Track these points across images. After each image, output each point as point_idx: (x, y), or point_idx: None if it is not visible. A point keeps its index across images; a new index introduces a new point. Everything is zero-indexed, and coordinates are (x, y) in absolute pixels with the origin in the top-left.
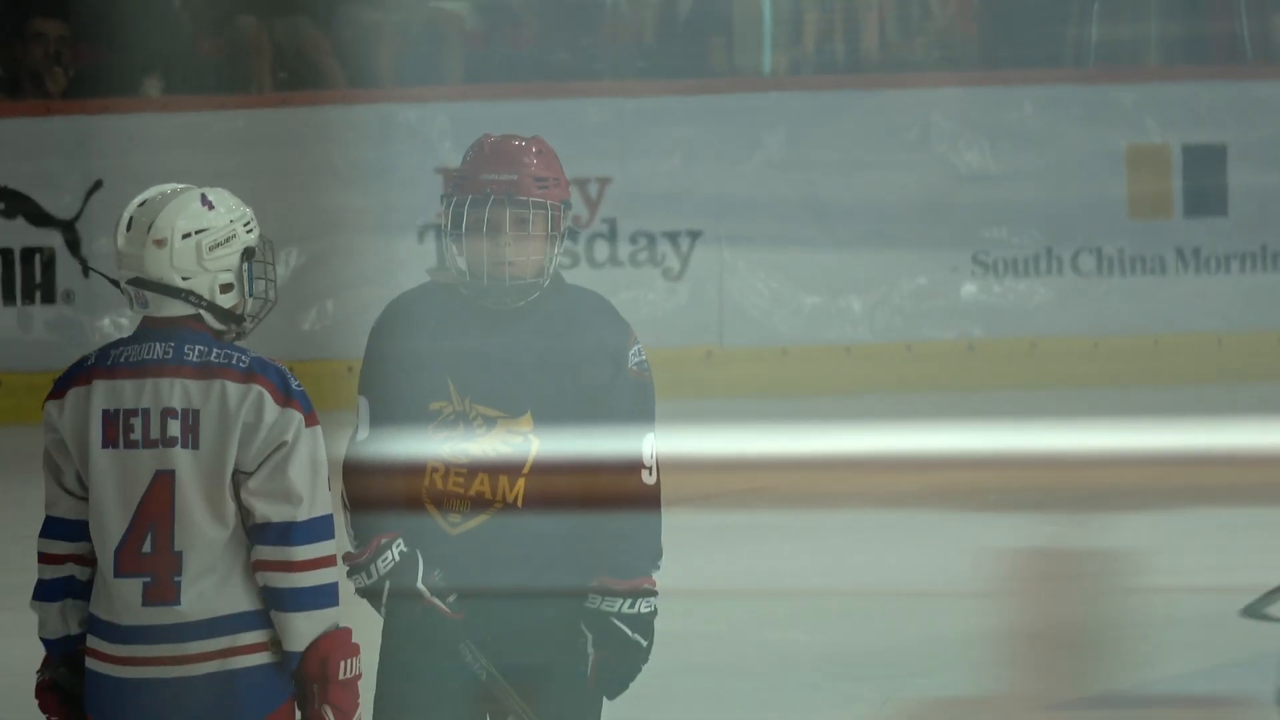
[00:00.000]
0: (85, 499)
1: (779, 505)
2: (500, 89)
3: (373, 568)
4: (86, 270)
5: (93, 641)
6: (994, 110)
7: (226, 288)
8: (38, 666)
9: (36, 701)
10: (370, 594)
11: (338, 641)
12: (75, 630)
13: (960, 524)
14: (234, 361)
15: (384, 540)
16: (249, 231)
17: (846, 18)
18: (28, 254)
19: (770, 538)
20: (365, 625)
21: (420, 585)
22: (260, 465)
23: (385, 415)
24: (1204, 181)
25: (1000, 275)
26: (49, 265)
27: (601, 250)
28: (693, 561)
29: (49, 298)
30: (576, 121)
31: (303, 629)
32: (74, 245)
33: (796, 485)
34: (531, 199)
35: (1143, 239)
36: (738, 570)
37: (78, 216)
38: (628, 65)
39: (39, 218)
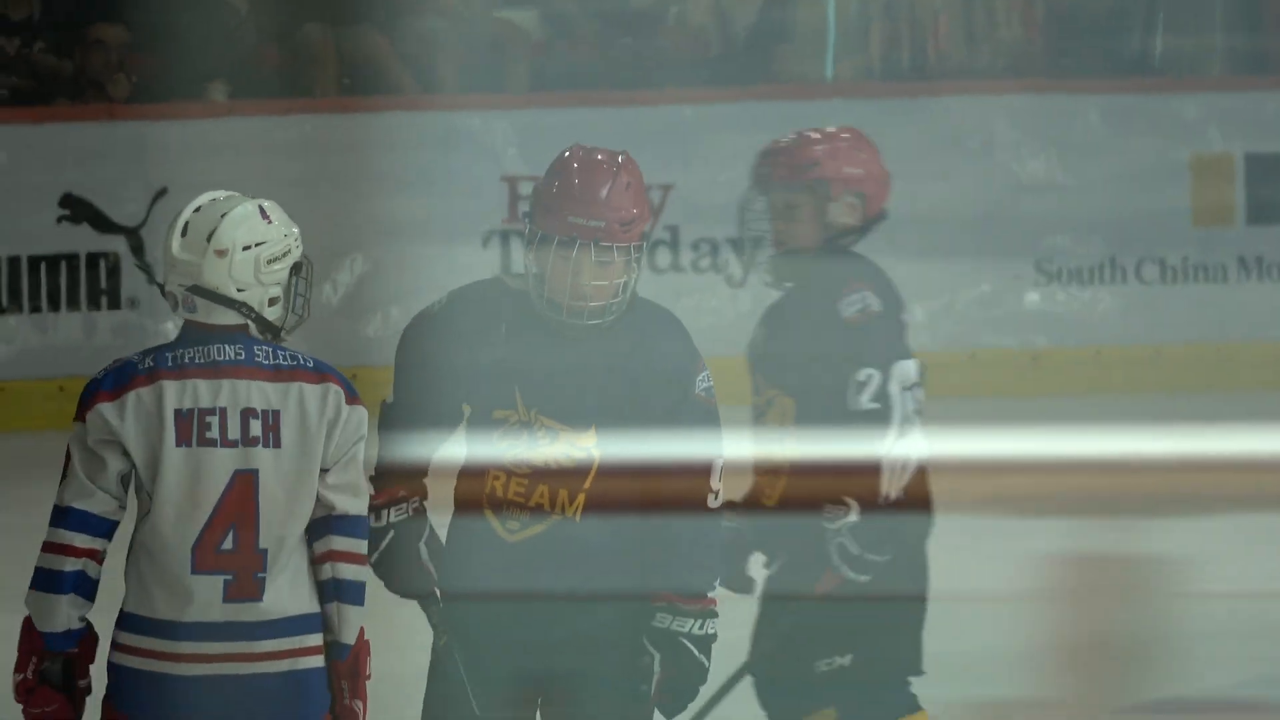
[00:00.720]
0: (120, 499)
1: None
2: (563, 97)
3: (384, 513)
4: (151, 277)
5: (136, 640)
6: (1057, 119)
7: (274, 300)
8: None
9: (22, 699)
10: (371, 535)
11: (365, 639)
12: (76, 626)
13: (1020, 530)
14: (303, 363)
15: (402, 493)
16: (298, 247)
17: (912, 26)
18: (93, 259)
19: None
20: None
21: (421, 546)
22: (339, 460)
23: (430, 399)
24: (1267, 190)
25: (1064, 284)
26: (114, 271)
27: (664, 257)
28: (755, 567)
29: (114, 304)
30: (638, 129)
31: (355, 622)
32: (138, 251)
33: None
34: (616, 245)
35: (1206, 247)
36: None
37: (142, 223)
38: (690, 73)
39: (103, 224)
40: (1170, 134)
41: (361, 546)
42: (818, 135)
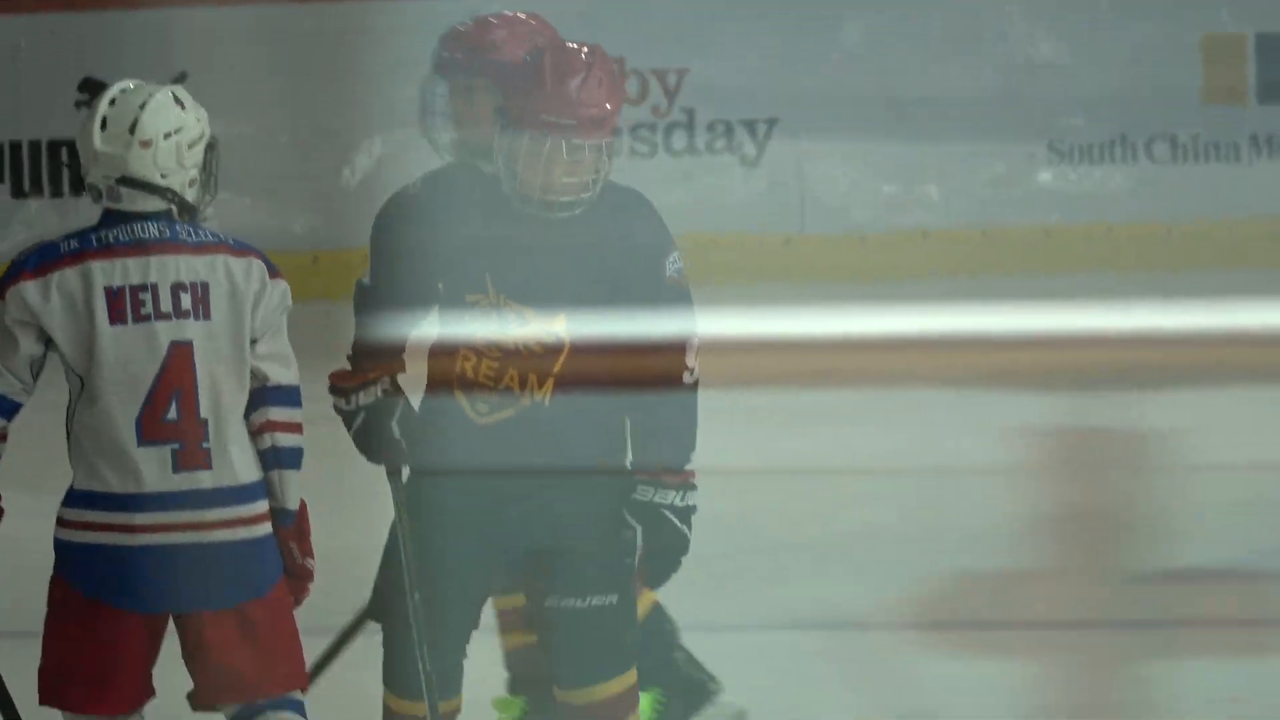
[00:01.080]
0: (26, 384)
1: (851, 385)
2: None
3: (356, 396)
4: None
5: (88, 515)
6: (1069, 1)
7: (193, 182)
8: None
9: None
10: (344, 415)
11: (303, 501)
12: None
13: (1027, 404)
14: (225, 239)
15: (373, 375)
16: (209, 129)
17: None
18: None
19: (841, 418)
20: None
21: (394, 424)
22: (267, 332)
23: (403, 282)
24: (1278, 70)
25: (1075, 163)
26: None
27: (680, 139)
28: (764, 441)
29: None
30: (655, 14)
31: (296, 487)
32: None
33: (868, 367)
34: (588, 142)
35: (1217, 126)
36: (807, 449)
37: None
38: None
39: None
40: (1181, 15)
41: (297, 415)
42: (496, 20)
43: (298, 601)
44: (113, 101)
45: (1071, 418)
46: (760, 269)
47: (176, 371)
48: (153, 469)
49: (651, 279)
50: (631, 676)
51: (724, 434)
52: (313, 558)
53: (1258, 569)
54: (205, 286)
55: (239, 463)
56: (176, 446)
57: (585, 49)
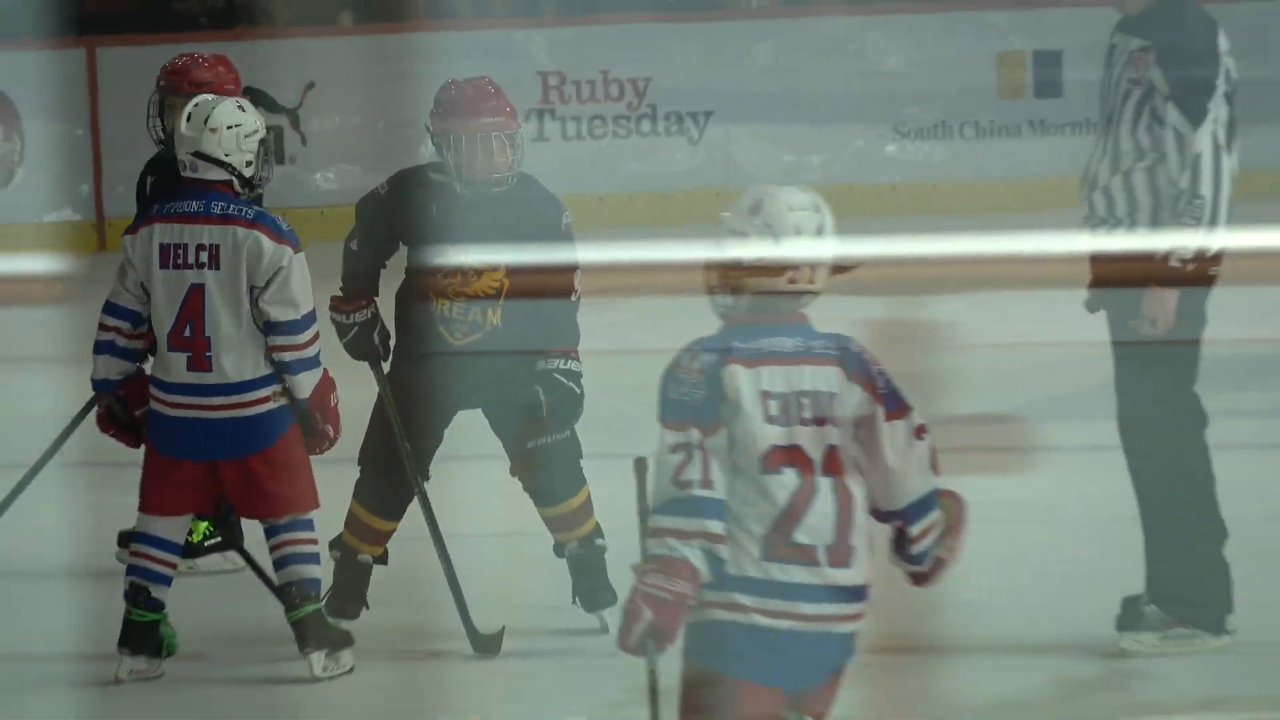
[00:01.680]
0: (139, 297)
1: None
2: (582, 19)
3: (352, 315)
4: (304, 140)
5: (154, 392)
6: (910, 28)
7: (249, 164)
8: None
9: (98, 425)
10: (340, 327)
11: (326, 383)
12: (114, 377)
13: (866, 303)
14: (243, 213)
15: (364, 302)
16: (264, 129)
17: None
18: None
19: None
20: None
21: (374, 334)
22: (267, 283)
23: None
24: (1048, 74)
25: (912, 139)
26: (279, 138)
27: (646, 126)
28: (663, 329)
29: (280, 160)
30: (630, 40)
31: (306, 383)
32: (295, 125)
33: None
34: (516, 132)
35: (1006, 114)
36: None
37: (298, 106)
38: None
39: (274, 106)
40: (984, 37)
41: (296, 339)
42: (203, 60)
43: (316, 451)
44: (198, 104)
45: (893, 313)
46: (700, 214)
47: (192, 305)
48: (178, 367)
49: (554, 232)
50: (586, 493)
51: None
52: (333, 425)
53: (1013, 413)
54: (217, 248)
55: (231, 368)
56: (189, 354)
57: (485, 79)
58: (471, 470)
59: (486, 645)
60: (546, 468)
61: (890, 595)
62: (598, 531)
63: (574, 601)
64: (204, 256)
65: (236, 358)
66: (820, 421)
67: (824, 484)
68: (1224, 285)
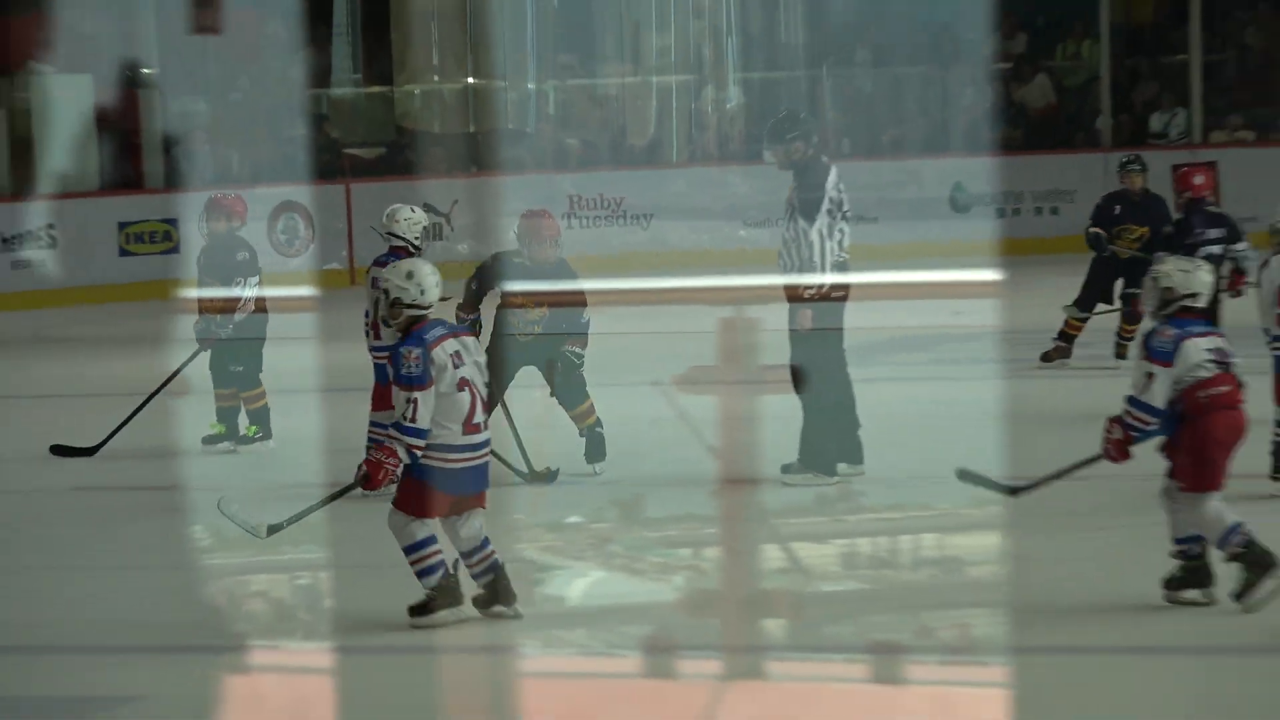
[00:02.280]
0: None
1: None
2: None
3: (467, 318)
4: (452, 228)
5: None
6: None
7: (418, 237)
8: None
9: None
10: (462, 321)
11: None
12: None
13: None
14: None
15: (473, 311)
16: (426, 221)
17: None
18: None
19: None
20: None
21: (476, 327)
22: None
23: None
24: None
25: None
26: (440, 228)
27: (619, 223)
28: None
29: (439, 238)
30: (608, 177)
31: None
32: (449, 221)
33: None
34: (557, 236)
35: None
36: None
37: (449, 211)
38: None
39: (436, 211)
40: None
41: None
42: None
43: None
44: (395, 208)
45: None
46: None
47: (472, 391)
48: (458, 435)
49: (572, 281)
50: (589, 403)
51: None
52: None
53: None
54: (465, 348)
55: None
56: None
57: (544, 210)
58: (522, 396)
59: (541, 478)
60: (565, 392)
61: None
62: (597, 422)
63: (584, 457)
64: (463, 358)
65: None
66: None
67: (476, 394)
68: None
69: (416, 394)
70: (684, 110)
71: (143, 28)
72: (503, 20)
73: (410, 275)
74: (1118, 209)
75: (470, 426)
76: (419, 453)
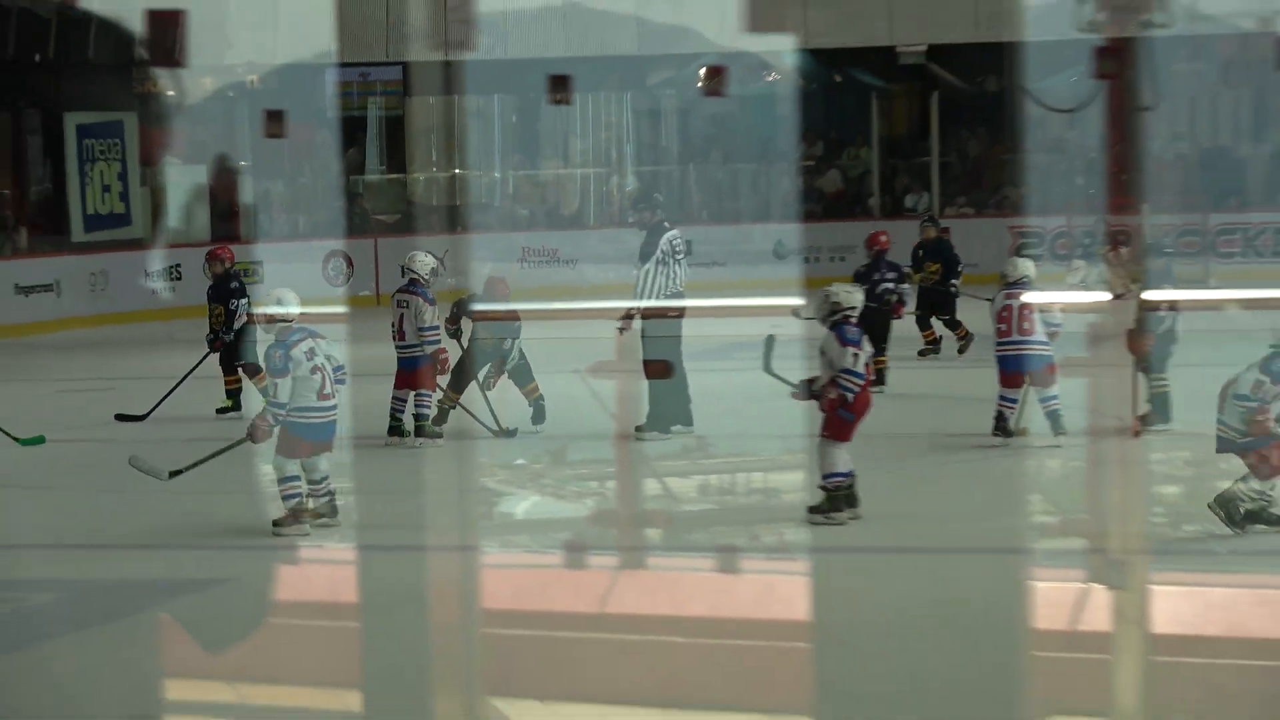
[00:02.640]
0: None
1: None
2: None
3: (450, 329)
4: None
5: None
6: None
7: (434, 271)
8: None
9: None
10: (448, 332)
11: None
12: None
13: None
14: (422, 290)
15: (456, 324)
16: (440, 265)
17: None
18: None
19: None
20: None
21: (458, 335)
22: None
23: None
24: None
25: None
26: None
27: (564, 267)
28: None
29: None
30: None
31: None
32: (443, 263)
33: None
34: (509, 294)
35: None
36: None
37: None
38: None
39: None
40: None
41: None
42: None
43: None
44: (414, 253)
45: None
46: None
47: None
48: None
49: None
50: (535, 385)
51: None
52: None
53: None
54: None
55: None
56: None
57: (502, 276)
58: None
59: (505, 433)
60: (518, 375)
61: None
62: (540, 396)
63: (530, 420)
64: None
65: None
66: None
67: (326, 375)
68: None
69: (278, 380)
70: (598, 191)
71: (238, 134)
72: (476, 132)
73: (279, 300)
74: (920, 252)
75: (322, 396)
76: (282, 416)
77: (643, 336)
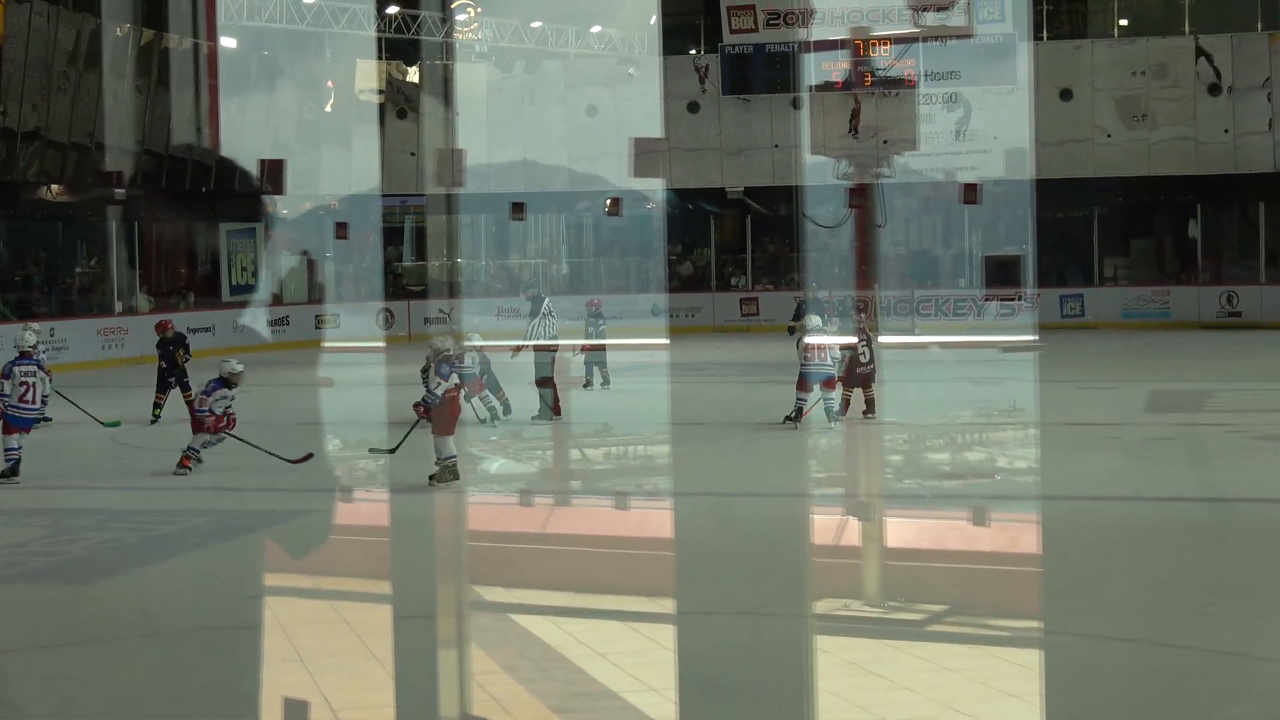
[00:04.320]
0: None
1: None
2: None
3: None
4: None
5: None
6: None
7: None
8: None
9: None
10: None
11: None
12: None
13: None
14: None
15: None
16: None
17: None
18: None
19: None
20: None
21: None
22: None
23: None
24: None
25: None
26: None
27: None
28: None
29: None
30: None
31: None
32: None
33: None
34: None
35: None
36: None
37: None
38: None
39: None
40: None
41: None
42: None
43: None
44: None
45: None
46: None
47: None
48: None
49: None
50: (502, 390)
51: None
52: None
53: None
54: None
55: None
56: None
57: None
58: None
59: (485, 424)
60: (490, 386)
61: None
62: (506, 399)
63: (503, 414)
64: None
65: None
66: None
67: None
68: None
69: (213, 403)
70: (544, 271)
71: (324, 236)
72: (468, 237)
73: (231, 371)
74: (796, 310)
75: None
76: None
77: (535, 363)
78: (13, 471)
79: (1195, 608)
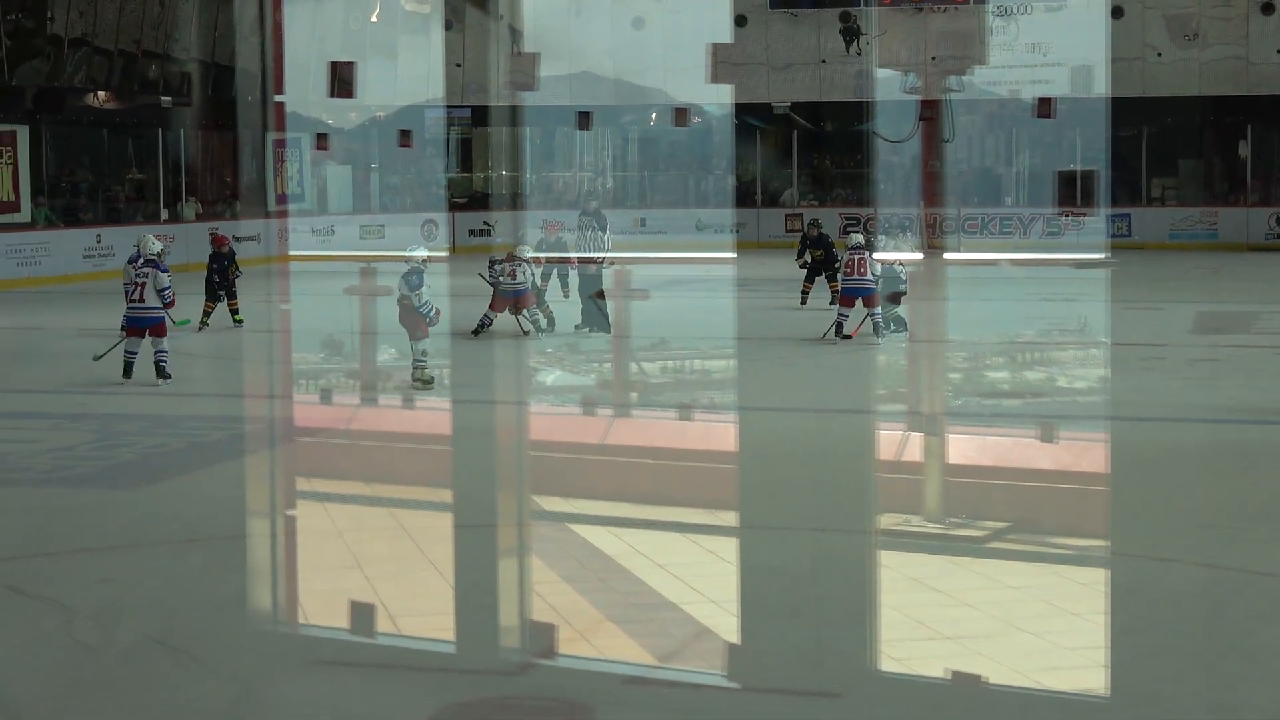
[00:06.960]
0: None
1: None
2: None
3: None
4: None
5: None
6: None
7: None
8: None
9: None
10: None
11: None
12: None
13: None
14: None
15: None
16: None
17: None
18: None
19: None
20: None
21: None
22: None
23: None
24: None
25: None
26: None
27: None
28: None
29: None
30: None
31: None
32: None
33: None
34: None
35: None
36: None
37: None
38: None
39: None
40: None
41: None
42: None
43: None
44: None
45: None
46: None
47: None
48: None
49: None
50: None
51: None
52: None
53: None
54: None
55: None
56: None
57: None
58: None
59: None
60: (540, 298)
61: None
62: (551, 312)
63: (549, 327)
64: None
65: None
66: None
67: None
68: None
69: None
70: (592, 191)
71: (370, 147)
72: (517, 149)
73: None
74: (807, 241)
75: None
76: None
77: (583, 276)
78: (125, 373)
79: (1233, 531)
